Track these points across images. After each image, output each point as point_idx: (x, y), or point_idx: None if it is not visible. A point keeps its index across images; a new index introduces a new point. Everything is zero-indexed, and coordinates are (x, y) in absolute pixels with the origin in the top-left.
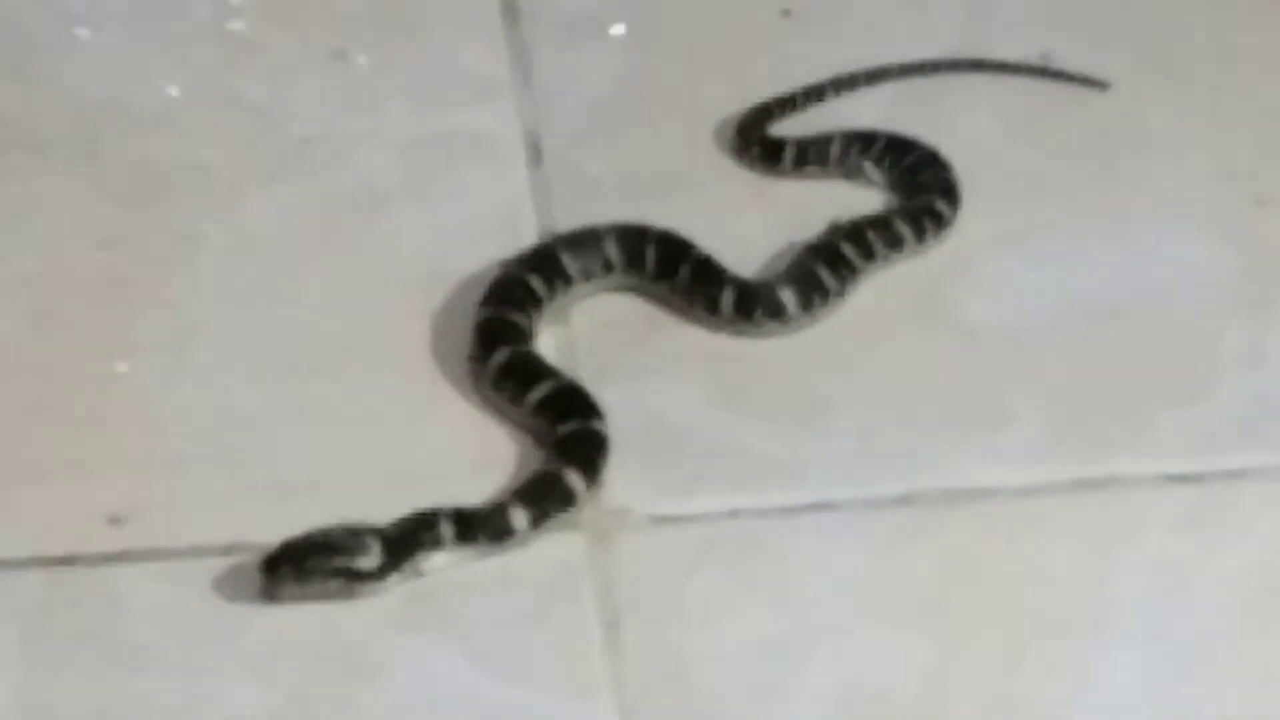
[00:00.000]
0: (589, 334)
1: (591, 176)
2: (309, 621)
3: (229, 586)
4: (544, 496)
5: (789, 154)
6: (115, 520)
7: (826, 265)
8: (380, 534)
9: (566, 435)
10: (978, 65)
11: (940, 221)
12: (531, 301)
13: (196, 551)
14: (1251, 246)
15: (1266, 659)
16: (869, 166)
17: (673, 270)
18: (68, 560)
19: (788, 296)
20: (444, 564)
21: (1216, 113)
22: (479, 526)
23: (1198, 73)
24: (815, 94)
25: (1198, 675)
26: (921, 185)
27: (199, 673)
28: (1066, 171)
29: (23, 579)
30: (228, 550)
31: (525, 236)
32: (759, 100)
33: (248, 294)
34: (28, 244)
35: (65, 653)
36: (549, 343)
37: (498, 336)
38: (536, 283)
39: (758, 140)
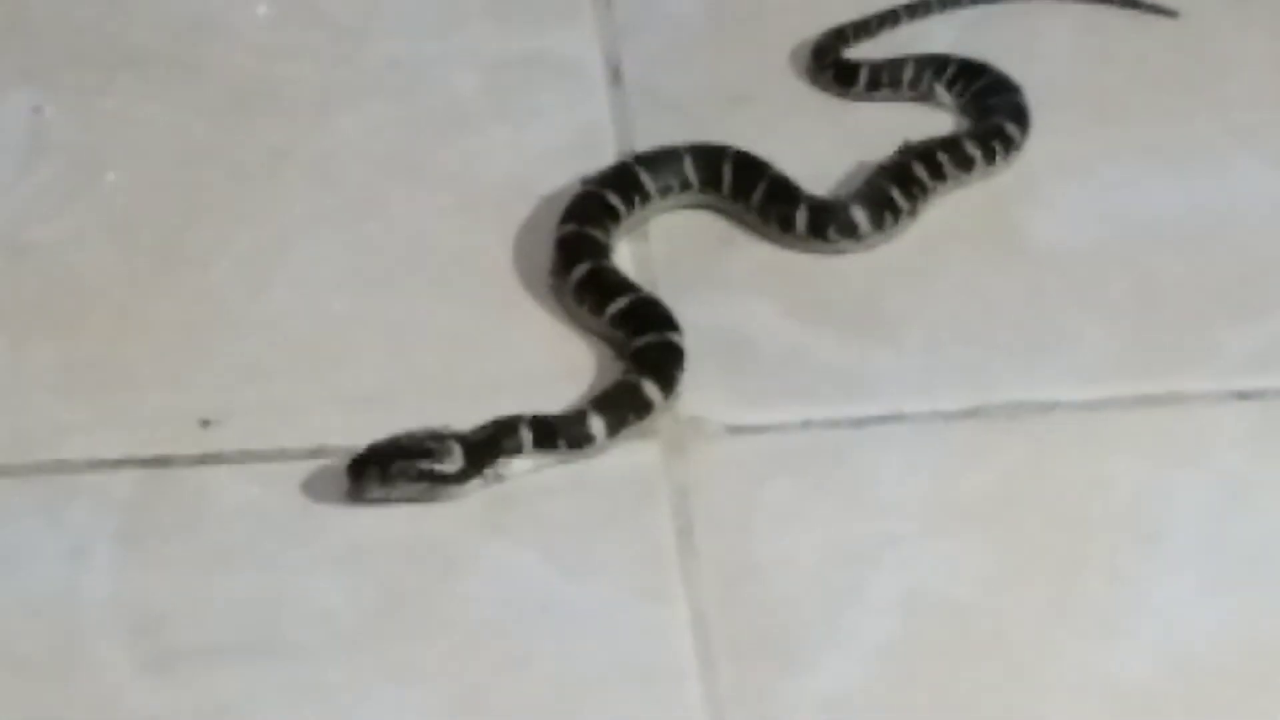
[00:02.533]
0: (667, 249)
1: (670, 98)
2: (393, 522)
3: (315, 488)
4: (621, 405)
5: (863, 77)
6: (206, 423)
7: (898, 185)
8: (462, 439)
9: (644, 346)
10: None
11: (1009, 144)
12: (611, 218)
13: (284, 454)
14: None
15: None
16: (940, 90)
17: (748, 189)
18: (161, 461)
19: (860, 215)
20: (523, 469)
21: None
22: (558, 433)
23: (1262, 2)
24: (890, 18)
25: (1255, 586)
26: (991, 109)
27: (286, 569)
28: (1134, 98)
29: (118, 478)
30: (314, 453)
31: (605, 155)
32: (834, 24)
33: (334, 209)
34: (122, 158)
35: (159, 548)
36: (628, 258)
37: (578, 251)
38: (616, 200)
39: (832, 63)
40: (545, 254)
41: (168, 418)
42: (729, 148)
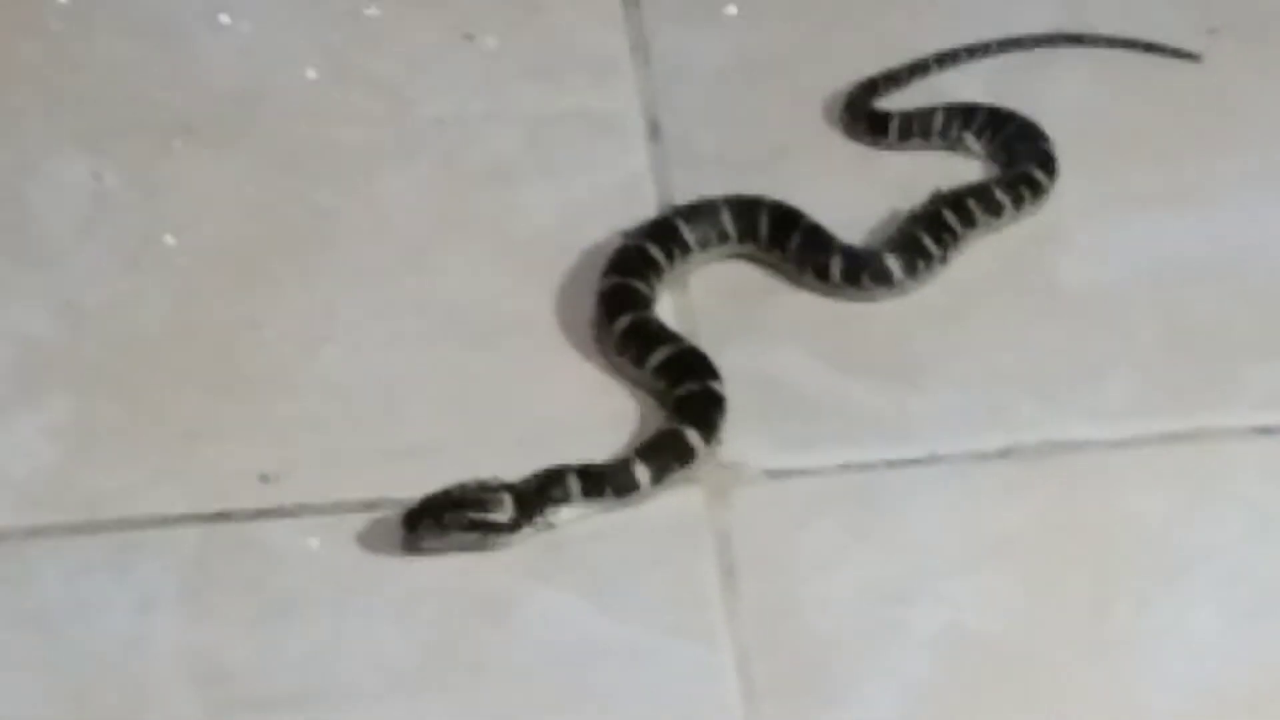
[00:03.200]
0: (706, 300)
1: (707, 151)
2: (447, 571)
3: (372, 539)
4: (665, 453)
5: (894, 127)
6: (265, 478)
7: (930, 233)
8: (512, 489)
9: (686, 395)
10: (1075, 39)
11: (1038, 189)
12: (652, 270)
13: (341, 507)
14: None
15: None
16: (970, 138)
17: (784, 239)
18: (222, 516)
19: (893, 263)
20: (571, 517)
21: None
22: (604, 482)
23: (1275, 45)
24: (919, 69)
25: (1276, 622)
26: (1020, 155)
27: (346, 618)
28: (1158, 141)
29: (181, 534)
30: (370, 506)
31: (645, 209)
32: (865, 76)
33: (383, 266)
34: (179, 221)
35: (221, 601)
36: (669, 309)
37: (621, 303)
38: (657, 252)
39: (864, 114)
40: (589, 306)
41: (228, 474)
42: (765, 199)
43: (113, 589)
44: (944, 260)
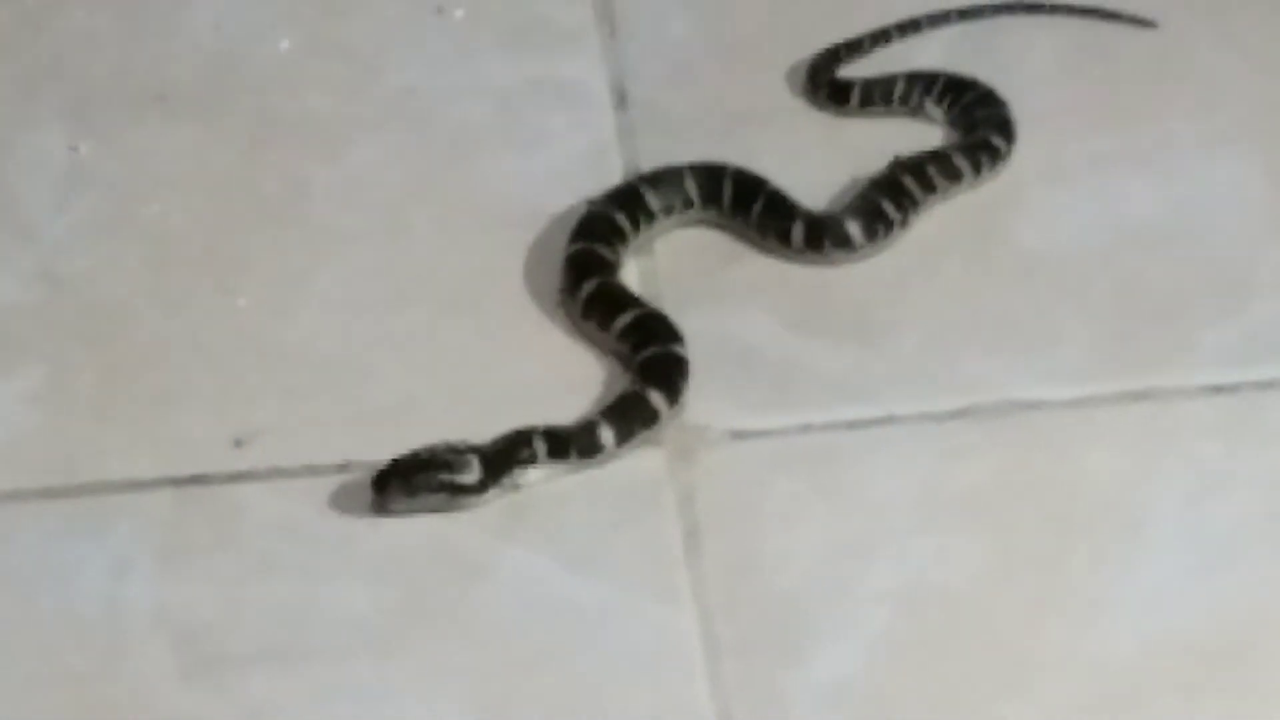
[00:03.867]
0: (671, 265)
1: (673, 119)
2: (416, 532)
3: (343, 501)
4: (629, 415)
5: (856, 94)
6: (238, 442)
7: (889, 198)
8: (480, 451)
9: (649, 359)
10: (1032, 8)
11: (996, 155)
12: (617, 236)
13: (313, 470)
14: None
15: None
16: (930, 105)
17: (747, 205)
18: (196, 479)
19: (854, 228)
20: (538, 478)
21: (1258, 49)
22: (570, 444)
23: (1240, 11)
24: (881, 37)
25: (1230, 571)
26: (978, 122)
27: (317, 578)
28: (1115, 107)
29: (156, 497)
30: (341, 468)
31: (612, 176)
32: (828, 44)
33: (355, 234)
34: (153, 189)
35: (196, 562)
36: (634, 274)
37: (586, 269)
38: (622, 219)
39: (827, 82)
40: (556, 272)
41: (202, 438)
42: (728, 166)
43: (88, 551)
44: (904, 225)
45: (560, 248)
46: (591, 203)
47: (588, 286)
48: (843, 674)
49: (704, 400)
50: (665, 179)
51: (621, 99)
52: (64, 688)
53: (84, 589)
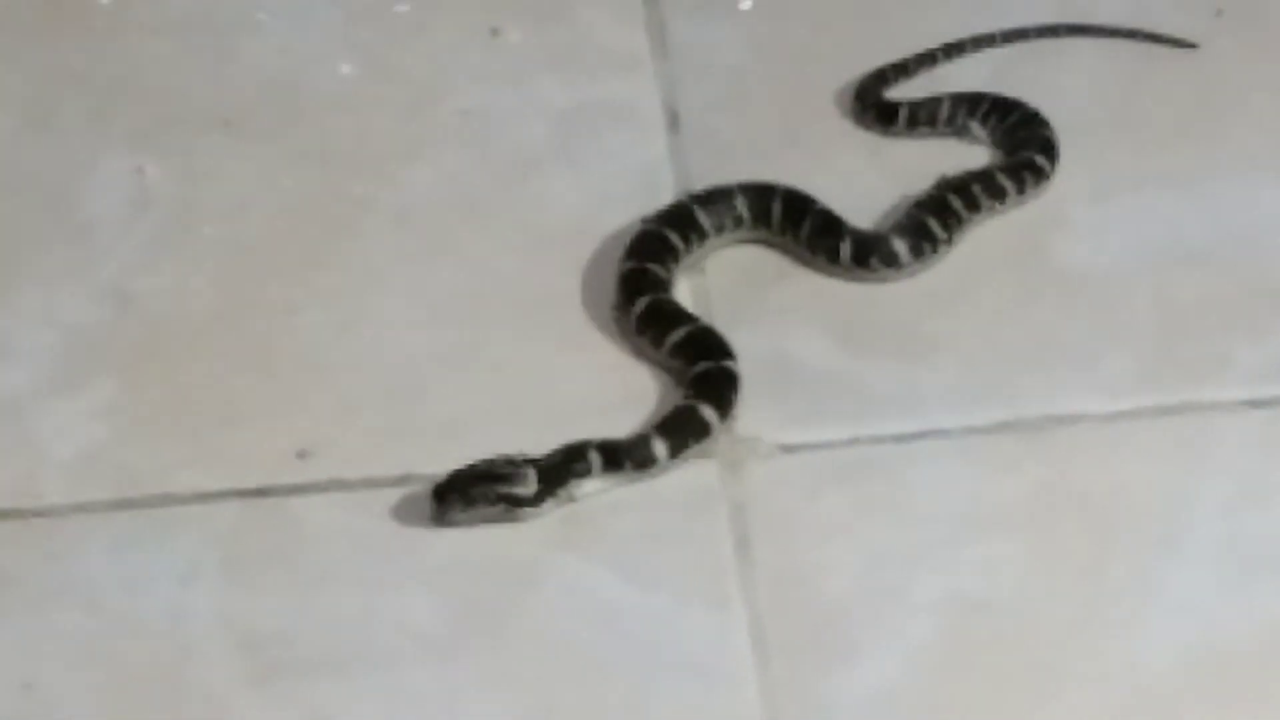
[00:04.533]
0: (722, 282)
1: (724, 139)
2: (474, 543)
3: (403, 513)
4: (682, 428)
5: (902, 115)
6: (302, 455)
7: (935, 216)
8: (536, 464)
9: (701, 373)
10: (1076, 29)
11: (1039, 175)
12: (670, 254)
13: (373, 483)
14: None
15: None
16: (975, 125)
17: (797, 223)
18: (260, 492)
19: (900, 246)
20: (593, 490)
21: None
22: (624, 456)
23: (1273, 34)
24: (927, 59)
25: (1266, 584)
26: (1023, 142)
27: (378, 588)
28: (1156, 127)
29: (221, 509)
30: (401, 481)
31: (664, 195)
32: (876, 66)
33: (414, 253)
34: (219, 211)
35: (260, 573)
36: (686, 291)
37: (640, 286)
38: (674, 237)
39: (874, 103)
40: (610, 289)
41: (266, 451)
42: (778, 186)
43: (156, 562)
44: (949, 243)
45: (614, 265)
46: (644, 221)
47: (641, 303)
48: (887, 682)
49: (754, 414)
50: (716, 198)
51: (674, 120)
52: (133, 693)
53: (152, 598)
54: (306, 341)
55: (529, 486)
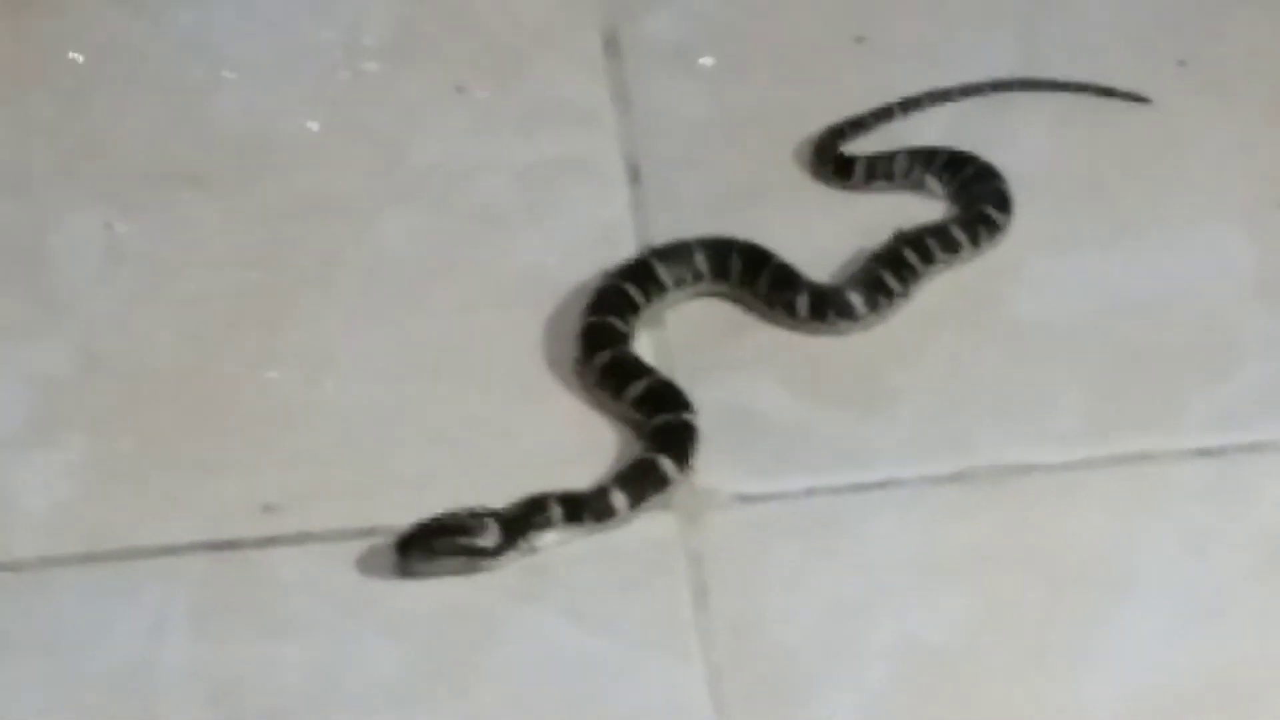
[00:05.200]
0: (681, 335)
1: (684, 194)
2: (438, 593)
3: (368, 564)
4: (641, 480)
5: (859, 170)
6: (269, 509)
7: (891, 270)
8: (498, 516)
9: (661, 426)
10: (1030, 84)
11: (993, 228)
12: (630, 308)
13: (340, 535)
14: (1272, 243)
15: (1278, 613)
16: (930, 180)
17: (754, 277)
18: (228, 544)
19: (856, 299)
20: (554, 541)
21: (1245, 123)
22: (584, 508)
23: (1230, 88)
24: (884, 115)
25: (1215, 628)
26: (977, 196)
27: (344, 638)
28: (1109, 180)
29: (189, 561)
30: (366, 533)
31: (625, 249)
32: (833, 122)
33: (380, 307)
34: (187, 266)
35: (228, 623)
36: (647, 344)
37: (600, 340)
38: (634, 291)
39: (832, 158)
40: (571, 343)
41: (233, 504)
42: (736, 240)
43: (125, 613)
44: (905, 295)
45: (576, 319)
46: (605, 275)
47: (601, 357)
48: None
49: (713, 465)
50: (675, 252)
51: (635, 175)
52: None
53: (121, 649)
54: (274, 396)
55: (491, 538)
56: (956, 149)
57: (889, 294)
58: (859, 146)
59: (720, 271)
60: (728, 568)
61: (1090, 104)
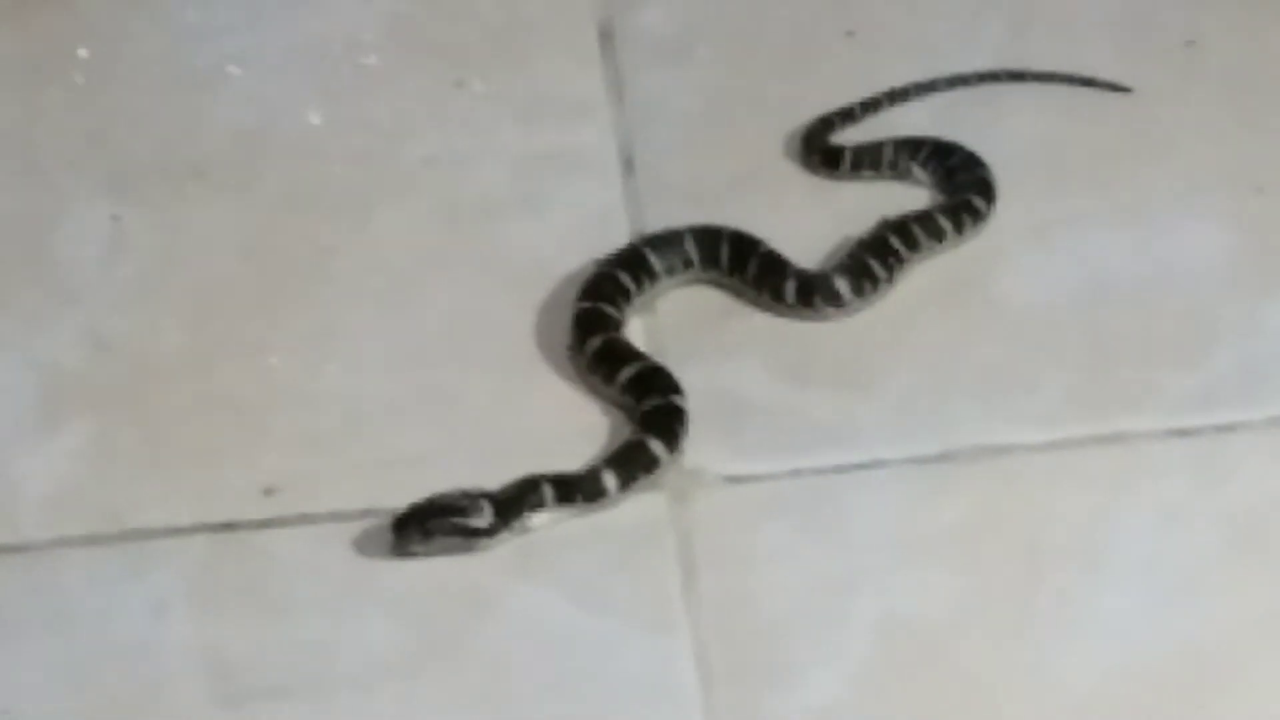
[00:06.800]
0: (673, 321)
1: (676, 184)
2: (433, 572)
3: (365, 545)
4: (631, 462)
5: (847, 159)
6: (268, 491)
7: (876, 257)
8: (491, 497)
9: (651, 409)
10: (1015, 76)
11: (977, 216)
12: (622, 295)
13: (337, 516)
14: (1249, 229)
15: (1249, 588)
16: (916, 169)
17: (743, 265)
18: (229, 526)
19: (843, 285)
20: (546, 521)
21: (1224, 111)
22: (576, 489)
23: (1209, 77)
24: (872, 105)
25: (1190, 602)
26: (962, 184)
27: (341, 617)
28: (1090, 168)
29: (191, 543)
30: (363, 514)
31: (618, 238)
32: (822, 113)
33: (378, 295)
34: (191, 256)
35: (229, 603)
36: (639, 330)
37: (593, 326)
38: (626, 279)
39: (820, 148)
40: (565, 329)
41: (235, 487)
42: (726, 228)
43: (129, 594)
44: (890, 282)
45: (570, 306)
46: (598, 263)
47: (594, 343)
48: (827, 700)
49: (702, 447)
50: (666, 241)
51: (629, 166)
52: (106, 718)
53: (126, 628)
54: (275, 381)
55: (485, 519)
56: (941, 139)
57: (874, 280)
58: (847, 136)
59: (710, 259)
60: (715, 546)
61: (1074, 94)
